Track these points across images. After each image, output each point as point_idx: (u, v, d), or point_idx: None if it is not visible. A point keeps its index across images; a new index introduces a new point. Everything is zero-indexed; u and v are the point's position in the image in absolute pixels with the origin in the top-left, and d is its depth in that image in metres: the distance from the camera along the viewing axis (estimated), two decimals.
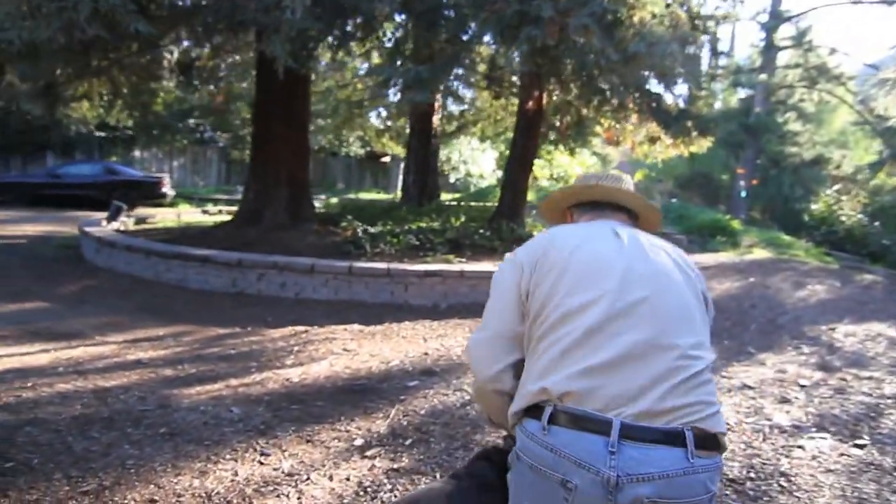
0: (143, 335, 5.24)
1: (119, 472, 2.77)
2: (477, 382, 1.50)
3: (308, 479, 2.82)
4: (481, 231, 9.12)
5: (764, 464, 3.19)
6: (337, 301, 6.86)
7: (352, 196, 21.60)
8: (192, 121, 24.85)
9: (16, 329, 5.19)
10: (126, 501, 2.54)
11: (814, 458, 3.28)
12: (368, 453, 3.12)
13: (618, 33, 5.13)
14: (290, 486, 2.75)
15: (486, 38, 6.04)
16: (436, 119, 14.92)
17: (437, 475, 2.92)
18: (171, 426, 3.34)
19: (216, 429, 3.34)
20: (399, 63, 6.45)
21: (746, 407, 4.03)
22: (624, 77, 5.83)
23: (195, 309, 6.33)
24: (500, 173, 29.70)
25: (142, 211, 15.22)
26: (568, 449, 1.20)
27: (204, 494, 2.63)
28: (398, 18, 6.49)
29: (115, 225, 10.91)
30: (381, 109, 17.23)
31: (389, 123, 18.47)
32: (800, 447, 3.40)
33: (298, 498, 2.65)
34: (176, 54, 8.70)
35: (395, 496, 2.71)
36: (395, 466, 2.98)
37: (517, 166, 11.15)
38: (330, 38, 6.16)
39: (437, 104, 14.90)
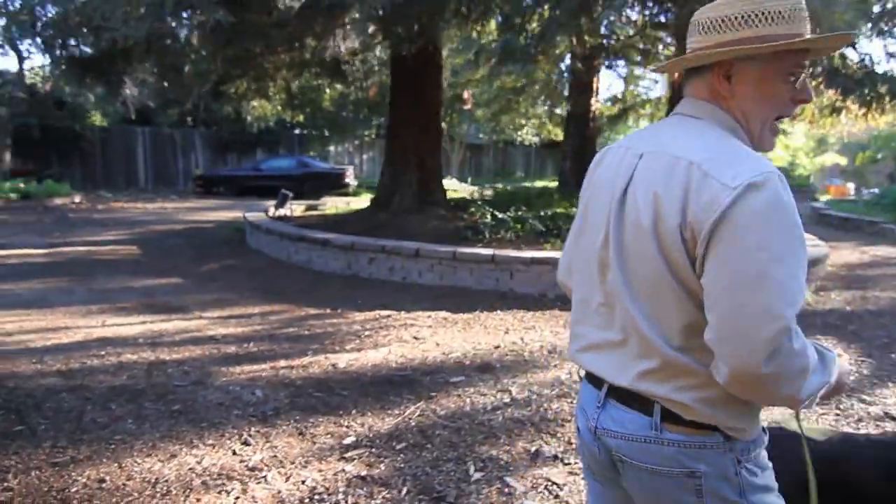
0: (238, 312, 5.50)
1: (98, 447, 2.82)
2: None
3: (264, 477, 2.61)
4: None
5: None
6: (440, 286, 6.61)
7: (526, 184, 21.25)
8: (383, 118, 26.35)
9: (138, 301, 5.76)
10: (80, 478, 2.55)
11: None
12: (349, 454, 2.82)
13: None
14: (240, 482, 2.56)
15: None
16: (594, 102, 13.94)
17: (405, 490, 2.52)
18: (187, 404, 3.37)
19: (225, 410, 3.30)
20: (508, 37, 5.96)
21: None
22: None
23: (305, 289, 6.52)
24: None
25: (324, 199, 16.46)
26: (581, 397, 1.30)
27: (151, 480, 2.55)
28: None
29: (281, 211, 11.84)
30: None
31: (556, 110, 17.74)
32: None
33: (237, 497, 2.45)
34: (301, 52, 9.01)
35: None
36: (365, 473, 2.65)
37: None
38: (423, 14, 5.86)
39: (595, 86, 13.93)
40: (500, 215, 8.52)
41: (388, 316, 5.44)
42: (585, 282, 1.25)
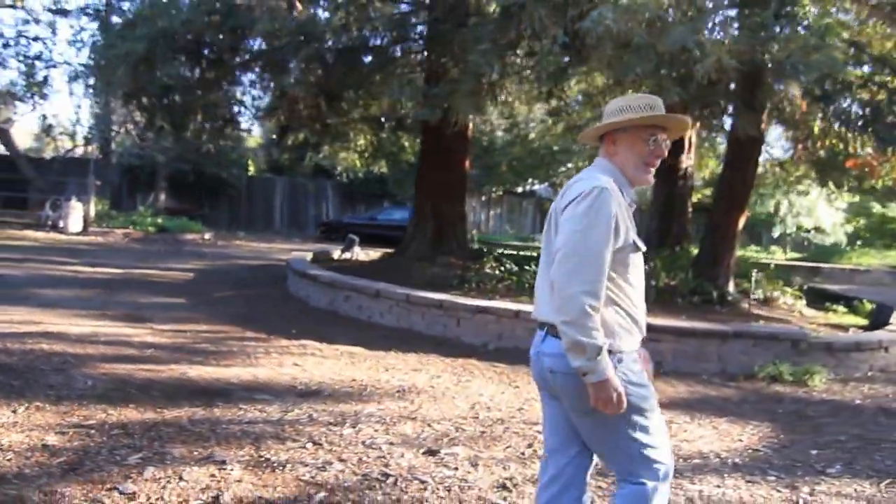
0: (186, 328, 6.22)
1: None
2: None
3: None
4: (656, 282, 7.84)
5: None
6: (395, 327, 6.83)
7: None
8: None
9: (124, 311, 6.75)
10: None
11: None
12: (68, 430, 3.28)
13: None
14: None
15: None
16: (685, 158, 13.25)
17: (62, 459, 2.90)
18: (27, 380, 4.05)
19: (43, 389, 3.92)
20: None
21: None
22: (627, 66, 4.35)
23: (277, 319, 7.11)
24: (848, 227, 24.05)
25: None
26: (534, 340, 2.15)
27: None
28: None
29: (346, 255, 12.77)
30: None
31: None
32: None
33: None
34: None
35: None
36: (53, 443, 3.09)
37: (723, 207, 9.24)
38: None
39: (687, 142, 13.27)
40: (508, 266, 8.55)
41: (305, 346, 5.82)
42: (539, 269, 2.02)
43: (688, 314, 7.24)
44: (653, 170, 1.98)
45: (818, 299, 10.40)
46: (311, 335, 6.25)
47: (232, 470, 2.94)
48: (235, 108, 10.12)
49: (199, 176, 20.72)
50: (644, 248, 1.96)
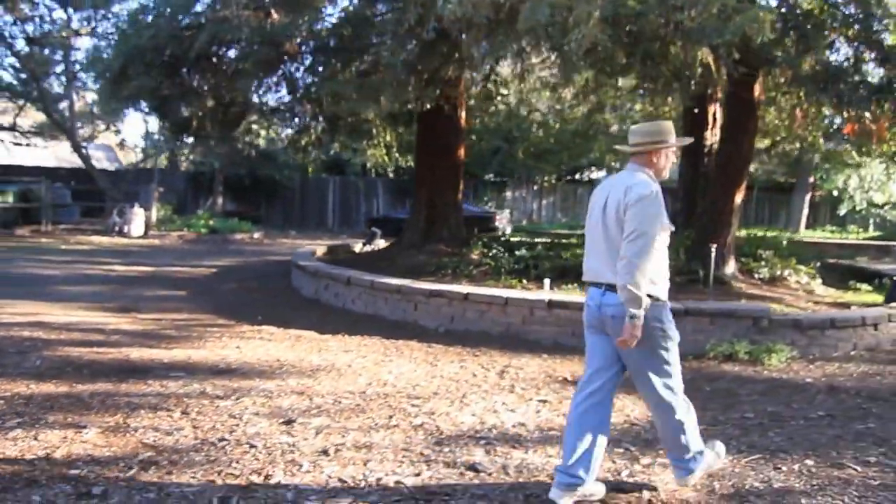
0: (163, 317, 6.83)
1: None
2: None
3: None
4: None
5: None
6: (362, 313, 7.16)
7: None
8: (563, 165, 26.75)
9: (121, 304, 7.46)
10: None
11: None
12: None
13: None
14: None
15: None
16: (709, 136, 12.72)
17: None
18: None
19: None
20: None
21: None
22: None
23: (259, 307, 7.60)
24: None
25: None
26: (587, 295, 2.97)
27: None
28: None
29: (368, 247, 13.27)
30: None
31: None
32: None
33: None
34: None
35: None
36: None
37: (719, 183, 8.91)
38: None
39: (710, 118, 12.72)
40: (495, 252, 8.67)
41: (260, 330, 6.27)
42: (589, 244, 2.89)
43: None
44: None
45: (849, 278, 9.80)
46: (277, 321, 6.70)
47: (87, 433, 3.37)
48: (250, 112, 10.70)
49: (255, 178, 21.94)
50: (672, 228, 2.78)
